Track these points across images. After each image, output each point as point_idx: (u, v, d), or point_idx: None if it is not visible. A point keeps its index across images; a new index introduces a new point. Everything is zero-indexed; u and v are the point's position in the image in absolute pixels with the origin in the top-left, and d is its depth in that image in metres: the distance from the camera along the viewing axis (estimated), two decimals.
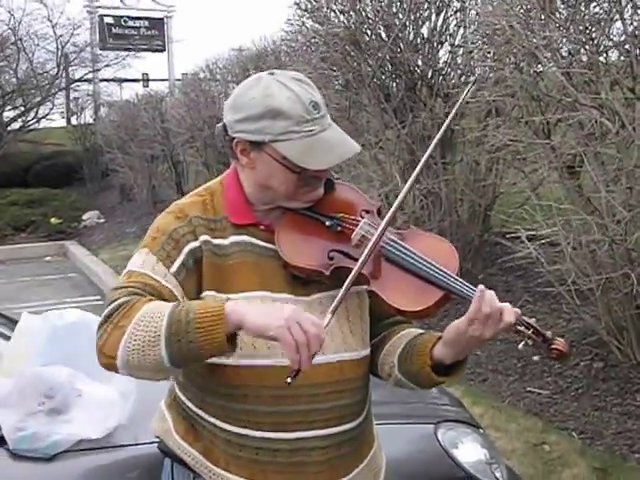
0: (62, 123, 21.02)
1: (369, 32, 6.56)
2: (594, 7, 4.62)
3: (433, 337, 1.68)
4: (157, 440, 1.82)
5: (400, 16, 6.39)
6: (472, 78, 6.39)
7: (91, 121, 19.17)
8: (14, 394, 2.20)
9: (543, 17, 4.58)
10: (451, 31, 6.57)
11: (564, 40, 4.59)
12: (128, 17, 21.64)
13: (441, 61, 6.64)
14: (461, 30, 6.55)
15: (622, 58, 4.55)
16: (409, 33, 6.48)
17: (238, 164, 1.72)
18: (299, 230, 1.71)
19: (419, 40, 6.52)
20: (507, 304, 1.57)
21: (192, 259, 1.64)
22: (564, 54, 4.66)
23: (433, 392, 2.86)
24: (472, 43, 6.03)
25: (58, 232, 14.77)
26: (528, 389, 4.68)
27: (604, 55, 4.56)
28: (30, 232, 14.97)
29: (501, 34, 4.77)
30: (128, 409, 2.26)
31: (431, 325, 4.70)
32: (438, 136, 1.83)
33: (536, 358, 1.46)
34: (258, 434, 1.63)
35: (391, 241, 1.68)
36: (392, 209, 1.69)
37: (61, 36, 19.33)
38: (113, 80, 21.04)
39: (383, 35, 6.49)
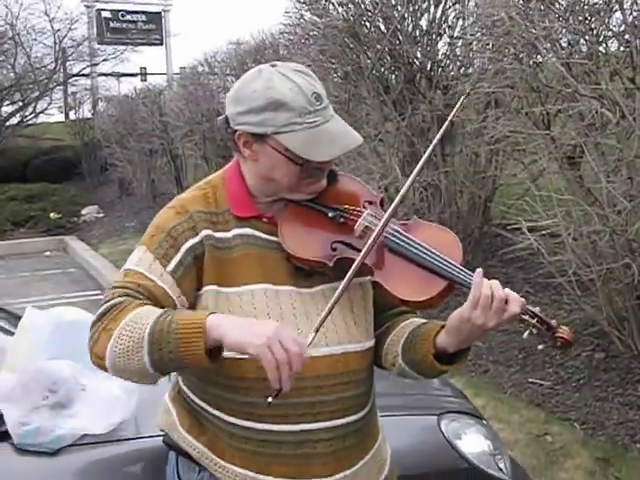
0: (60, 118, 21.06)
1: (368, 24, 6.54)
2: None
3: (436, 326, 1.68)
4: (162, 433, 1.82)
5: (399, 8, 6.37)
6: (471, 70, 6.40)
7: (89, 116, 19.14)
8: (18, 389, 2.20)
9: (542, 8, 4.57)
10: (450, 23, 6.55)
11: (564, 31, 4.58)
12: (125, 11, 21.58)
13: (440, 53, 6.62)
14: (460, 22, 6.54)
15: (622, 48, 4.54)
16: (408, 25, 6.46)
17: (240, 157, 1.72)
18: (302, 222, 1.71)
19: (418, 32, 6.51)
20: (512, 292, 1.57)
21: (191, 256, 1.64)
22: (564, 45, 4.65)
23: (436, 383, 2.87)
24: (471, 35, 6.02)
25: (57, 227, 14.76)
26: (530, 380, 4.69)
27: (604, 45, 4.54)
28: (29, 227, 14.95)
29: (500, 25, 4.76)
30: (132, 404, 2.25)
31: (432, 316, 4.69)
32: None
33: (540, 347, 1.46)
34: (262, 426, 1.63)
35: (394, 231, 1.67)
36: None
37: (59, 30, 19.33)
38: (111, 74, 21.06)
39: (382, 27, 6.47)
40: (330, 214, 1.71)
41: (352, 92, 6.84)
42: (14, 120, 18.99)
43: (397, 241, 1.66)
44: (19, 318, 2.79)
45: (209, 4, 39.08)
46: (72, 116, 20.08)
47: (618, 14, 4.45)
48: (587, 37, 4.47)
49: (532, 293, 5.66)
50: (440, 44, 6.61)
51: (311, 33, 7.17)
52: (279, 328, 1.45)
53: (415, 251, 1.64)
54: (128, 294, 1.58)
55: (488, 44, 5.41)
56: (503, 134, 5.21)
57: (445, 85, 6.38)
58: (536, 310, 1.59)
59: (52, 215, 14.96)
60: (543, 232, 4.70)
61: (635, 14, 4.37)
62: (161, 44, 22.00)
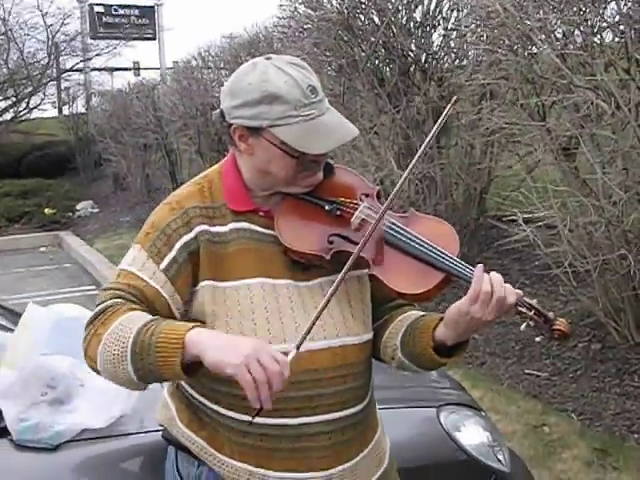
0: (54, 113, 20.94)
1: (362, 17, 6.53)
2: None
3: (435, 318, 1.68)
4: (161, 428, 1.82)
5: (393, 0, 6.36)
6: (466, 61, 6.39)
7: (83, 111, 19.07)
8: (16, 385, 2.19)
9: None
10: (444, 14, 6.54)
11: (558, 22, 4.57)
12: (118, 6, 21.48)
13: (434, 45, 6.62)
14: (454, 13, 6.53)
15: (617, 39, 4.53)
16: (402, 17, 6.46)
17: (236, 150, 1.71)
18: (299, 215, 1.71)
19: (412, 24, 6.50)
20: (508, 285, 1.57)
21: (186, 252, 1.64)
22: (558, 36, 4.65)
23: (434, 376, 2.87)
24: (466, 26, 6.02)
25: (52, 222, 14.70)
26: (527, 371, 4.70)
27: (599, 36, 4.54)
28: (24, 223, 14.89)
29: (495, 17, 4.75)
30: (132, 399, 2.25)
31: (429, 308, 4.70)
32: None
33: (538, 339, 1.46)
34: (261, 420, 1.62)
35: (391, 224, 1.67)
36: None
37: (51, 25, 19.22)
38: (104, 69, 20.96)
39: (376, 19, 6.46)
40: (327, 207, 1.70)
41: (347, 85, 6.83)
42: (7, 116, 18.91)
43: (394, 234, 1.66)
44: (16, 314, 2.79)
45: None
46: (66, 111, 19.98)
47: (613, 5, 4.45)
48: (582, 28, 4.46)
49: (528, 284, 5.67)
50: (434, 36, 6.61)
51: (305, 26, 7.16)
52: (259, 346, 1.43)
53: (412, 244, 1.64)
54: (120, 296, 1.58)
55: (483, 36, 5.41)
56: (498, 126, 5.21)
57: (440, 77, 6.38)
58: (533, 302, 1.58)
59: (47, 211, 14.91)
60: (539, 223, 4.71)
61: (629, 5, 4.37)
62: (154, 38, 21.92)
